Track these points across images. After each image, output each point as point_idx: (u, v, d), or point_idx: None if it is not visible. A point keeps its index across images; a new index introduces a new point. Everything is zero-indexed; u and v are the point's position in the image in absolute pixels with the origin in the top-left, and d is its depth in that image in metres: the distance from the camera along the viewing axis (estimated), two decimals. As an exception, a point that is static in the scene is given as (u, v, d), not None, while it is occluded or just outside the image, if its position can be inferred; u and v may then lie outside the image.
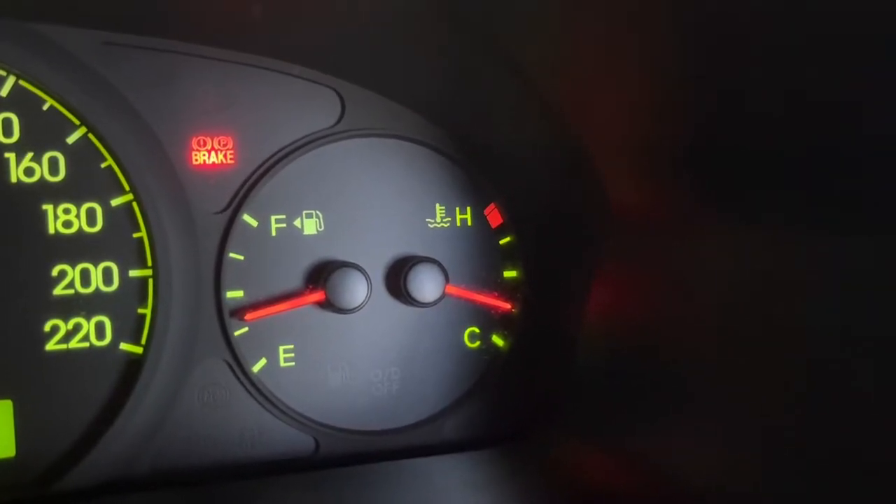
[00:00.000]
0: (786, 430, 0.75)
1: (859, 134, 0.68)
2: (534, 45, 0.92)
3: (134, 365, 1.02)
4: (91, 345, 1.01)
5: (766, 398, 0.78)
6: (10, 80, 0.99)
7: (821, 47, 0.64)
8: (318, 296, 1.08)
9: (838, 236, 0.72)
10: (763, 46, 0.68)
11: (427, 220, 1.16)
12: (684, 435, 0.89)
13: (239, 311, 1.08)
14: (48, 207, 1.00)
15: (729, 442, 0.82)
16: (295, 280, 1.10)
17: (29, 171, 0.99)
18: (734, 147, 0.81)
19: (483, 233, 1.18)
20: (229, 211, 1.07)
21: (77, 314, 1.01)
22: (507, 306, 1.18)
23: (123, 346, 1.02)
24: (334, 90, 1.12)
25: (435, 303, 1.12)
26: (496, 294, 1.17)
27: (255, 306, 1.08)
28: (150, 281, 1.03)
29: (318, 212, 1.11)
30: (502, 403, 1.17)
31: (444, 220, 1.16)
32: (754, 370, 0.79)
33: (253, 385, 1.07)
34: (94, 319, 1.01)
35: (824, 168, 0.72)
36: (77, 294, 1.01)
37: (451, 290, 1.13)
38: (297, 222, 1.10)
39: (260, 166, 1.09)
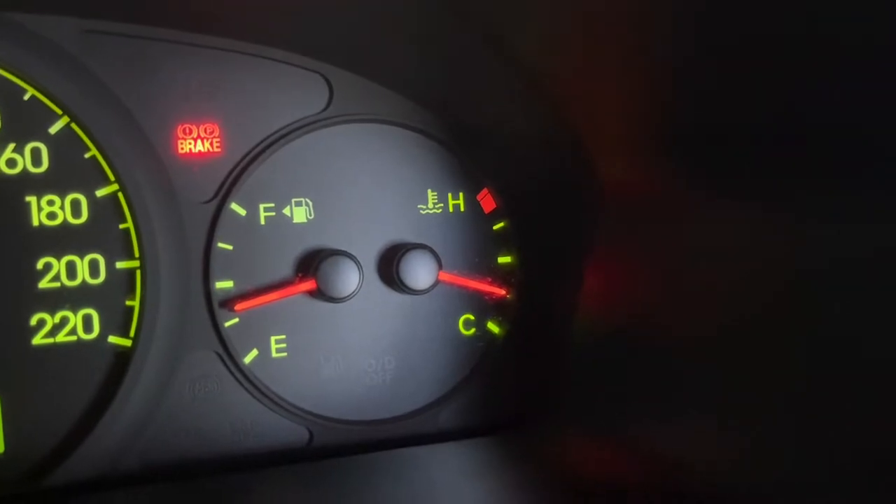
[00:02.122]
0: (787, 417, 0.74)
1: (854, 117, 0.68)
2: (525, 27, 0.91)
3: (123, 358, 1.01)
4: (79, 338, 1.00)
5: (766, 383, 0.77)
6: (-10, 70, 0.98)
7: (815, 32, 0.63)
8: (309, 284, 1.07)
9: (835, 218, 0.72)
10: (758, 28, 0.68)
11: (419, 206, 1.14)
12: (684, 421, 0.89)
13: (229, 301, 1.06)
14: (31, 199, 0.98)
15: (728, 428, 0.82)
16: (285, 269, 1.09)
17: (11, 163, 0.98)
18: (729, 128, 0.80)
19: (476, 218, 1.16)
20: (217, 200, 1.06)
21: (64, 307, 0.99)
22: (502, 292, 1.16)
23: (112, 339, 1.01)
24: (322, 75, 1.11)
25: (428, 290, 1.11)
26: (490, 280, 1.16)
27: (245, 296, 1.07)
28: (138, 272, 1.02)
29: (307, 199, 1.10)
30: (499, 391, 1.16)
31: (437, 205, 1.15)
32: (754, 354, 0.79)
33: (244, 376, 1.06)
34: (82, 312, 1.00)
35: (819, 150, 0.72)
36: (63, 287, 0.99)
37: (445, 276, 1.12)
38: (286, 210, 1.09)
39: (247, 154, 1.08)
